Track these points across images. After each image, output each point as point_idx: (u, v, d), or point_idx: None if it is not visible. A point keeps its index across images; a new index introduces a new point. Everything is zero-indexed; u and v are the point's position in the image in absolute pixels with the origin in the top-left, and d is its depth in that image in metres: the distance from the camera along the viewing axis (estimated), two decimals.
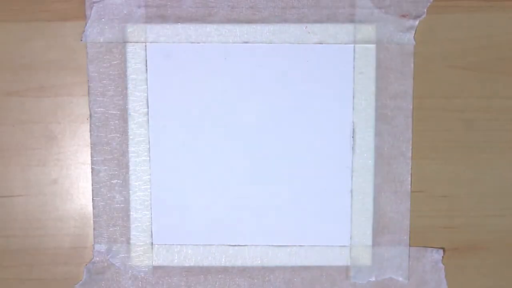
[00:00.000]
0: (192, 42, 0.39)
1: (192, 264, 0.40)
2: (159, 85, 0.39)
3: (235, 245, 0.40)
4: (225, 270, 0.40)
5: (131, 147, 0.39)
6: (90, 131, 0.39)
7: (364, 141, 0.39)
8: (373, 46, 0.39)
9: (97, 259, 0.40)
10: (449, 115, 0.40)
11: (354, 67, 0.39)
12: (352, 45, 0.39)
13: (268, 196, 0.40)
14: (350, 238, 0.40)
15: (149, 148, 0.39)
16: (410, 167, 0.39)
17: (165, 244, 0.40)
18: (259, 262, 0.40)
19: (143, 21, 0.39)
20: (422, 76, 0.39)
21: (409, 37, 0.39)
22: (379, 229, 0.40)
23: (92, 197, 0.40)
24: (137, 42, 0.39)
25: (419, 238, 0.40)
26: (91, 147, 0.39)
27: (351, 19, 0.38)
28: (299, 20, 0.39)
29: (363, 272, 0.40)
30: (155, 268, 0.40)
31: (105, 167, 0.39)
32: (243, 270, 0.40)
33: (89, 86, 0.39)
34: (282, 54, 0.39)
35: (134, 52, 0.39)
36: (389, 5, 0.38)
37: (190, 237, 0.40)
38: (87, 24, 0.38)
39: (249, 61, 0.39)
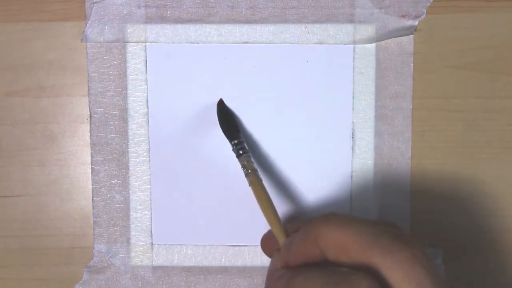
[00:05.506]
0: (192, 42, 0.39)
1: (192, 264, 0.40)
2: (159, 85, 0.39)
3: (235, 245, 0.40)
4: (225, 270, 0.40)
5: (131, 147, 0.39)
6: (90, 131, 0.39)
7: (364, 141, 0.39)
8: (373, 46, 0.39)
9: (97, 259, 0.40)
10: (449, 115, 0.40)
11: (354, 67, 0.39)
12: (352, 45, 0.39)
13: None
14: None
15: (149, 148, 0.39)
16: (410, 167, 0.39)
17: (165, 244, 0.40)
18: (259, 262, 0.40)
19: (143, 21, 0.39)
20: (422, 76, 0.39)
21: (409, 37, 0.39)
22: None
23: (92, 197, 0.40)
24: (137, 42, 0.39)
25: (419, 238, 0.40)
26: (91, 147, 0.39)
27: (351, 19, 0.38)
28: (299, 20, 0.39)
29: None
30: (155, 268, 0.40)
31: (105, 167, 0.39)
32: (243, 270, 0.40)
33: (89, 86, 0.39)
34: (282, 54, 0.39)
35: (134, 52, 0.39)
36: (389, 5, 0.38)
37: (190, 237, 0.40)
38: (87, 24, 0.38)
39: (249, 61, 0.39)
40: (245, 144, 0.37)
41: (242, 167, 0.36)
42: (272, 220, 0.34)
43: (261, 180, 0.36)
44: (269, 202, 0.35)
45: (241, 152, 0.37)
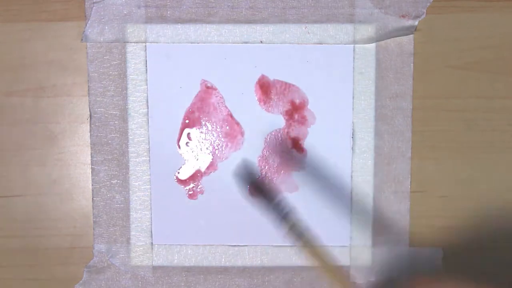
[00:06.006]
0: (192, 42, 0.39)
1: (192, 264, 0.40)
2: (159, 85, 0.39)
3: (235, 245, 0.40)
4: (225, 270, 0.40)
5: (131, 147, 0.39)
6: (90, 131, 0.39)
7: (364, 141, 0.39)
8: (373, 46, 0.39)
9: (97, 259, 0.40)
10: (449, 115, 0.40)
11: (354, 67, 0.39)
12: (352, 45, 0.39)
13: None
14: (350, 238, 0.40)
15: (149, 148, 0.39)
16: (410, 167, 0.39)
17: (165, 244, 0.40)
18: (259, 262, 0.40)
19: (143, 21, 0.39)
20: (422, 76, 0.39)
21: (409, 37, 0.39)
22: (379, 229, 0.40)
23: (92, 197, 0.40)
24: (137, 42, 0.39)
25: (418, 238, 0.40)
26: (91, 147, 0.39)
27: (351, 19, 0.38)
28: (299, 20, 0.39)
29: (363, 272, 0.40)
30: (155, 268, 0.40)
31: (105, 167, 0.39)
32: (243, 270, 0.40)
33: (89, 86, 0.39)
34: (282, 54, 0.39)
35: (134, 52, 0.39)
36: (389, 5, 0.38)
37: (190, 237, 0.40)
38: (87, 24, 0.38)
39: (249, 61, 0.39)
40: (284, 203, 0.32)
41: (289, 229, 0.31)
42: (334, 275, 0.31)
43: (314, 241, 0.32)
44: (332, 265, 0.31)
45: (285, 211, 0.32)
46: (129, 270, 0.40)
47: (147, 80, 0.39)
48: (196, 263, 0.40)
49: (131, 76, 0.39)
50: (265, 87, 0.39)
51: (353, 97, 0.39)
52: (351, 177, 0.40)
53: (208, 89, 0.39)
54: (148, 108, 0.39)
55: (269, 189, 0.33)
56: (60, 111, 0.40)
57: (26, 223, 0.40)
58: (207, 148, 0.40)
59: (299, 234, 0.31)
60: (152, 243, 0.40)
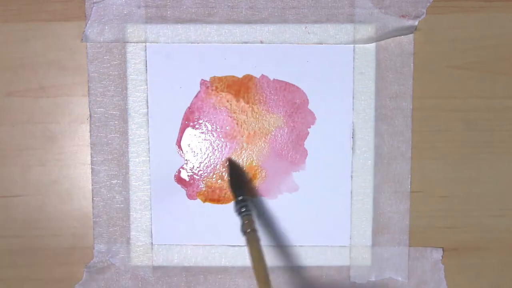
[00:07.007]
0: (192, 42, 0.39)
1: (192, 264, 0.40)
2: (159, 85, 0.39)
3: (235, 245, 0.40)
4: (225, 270, 0.40)
5: (131, 147, 0.39)
6: (90, 131, 0.39)
7: (364, 141, 0.39)
8: (373, 46, 0.39)
9: (97, 259, 0.40)
10: (449, 115, 0.40)
11: (354, 67, 0.39)
12: (352, 45, 0.39)
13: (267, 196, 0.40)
14: (350, 238, 0.40)
15: (149, 148, 0.39)
16: (409, 167, 0.39)
17: (165, 244, 0.40)
18: None
19: (143, 21, 0.39)
20: (422, 76, 0.39)
21: (409, 37, 0.39)
22: (379, 229, 0.40)
23: (92, 197, 0.40)
24: (137, 42, 0.39)
25: (418, 238, 0.40)
26: (91, 147, 0.39)
27: (351, 19, 0.38)
28: (299, 20, 0.39)
29: (363, 272, 0.40)
30: (155, 268, 0.40)
31: (105, 167, 0.39)
32: (243, 270, 0.40)
33: (89, 86, 0.39)
34: (282, 54, 0.39)
35: (134, 52, 0.39)
36: (389, 5, 0.38)
37: (190, 237, 0.40)
38: (87, 24, 0.38)
39: (249, 61, 0.39)
40: (249, 203, 0.37)
41: (242, 225, 0.35)
42: (262, 283, 0.32)
43: (259, 240, 0.34)
44: (263, 265, 0.33)
45: (243, 210, 0.36)
46: (129, 270, 0.40)
47: (147, 80, 0.39)
48: (196, 263, 0.40)
49: (131, 76, 0.39)
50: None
51: (353, 97, 0.39)
52: (351, 177, 0.40)
53: (208, 89, 0.39)
54: (148, 108, 0.39)
55: (239, 186, 0.37)
56: (60, 111, 0.40)
57: (26, 223, 0.40)
58: (207, 149, 0.40)
59: (246, 232, 0.35)
60: (152, 243, 0.40)
